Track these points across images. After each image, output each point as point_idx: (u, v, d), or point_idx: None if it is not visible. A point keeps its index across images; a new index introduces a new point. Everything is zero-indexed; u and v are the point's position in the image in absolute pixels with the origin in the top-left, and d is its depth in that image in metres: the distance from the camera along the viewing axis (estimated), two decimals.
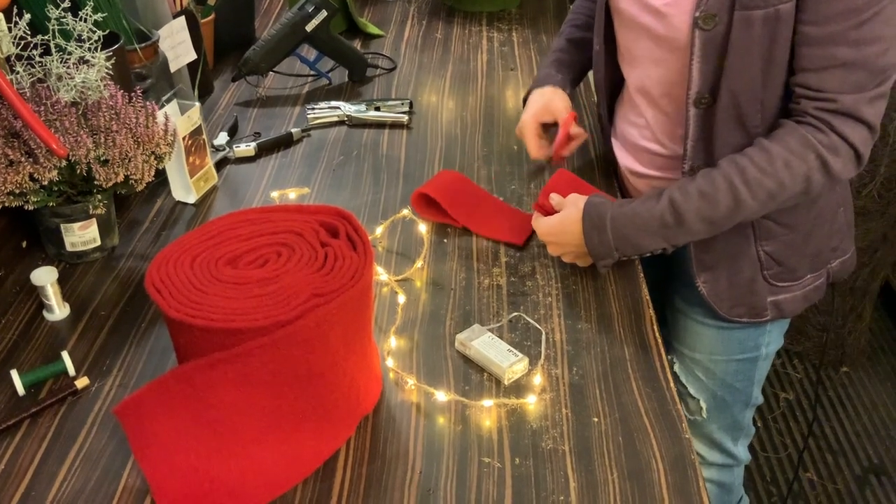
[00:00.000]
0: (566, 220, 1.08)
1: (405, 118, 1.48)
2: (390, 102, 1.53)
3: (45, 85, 1.06)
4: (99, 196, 1.09)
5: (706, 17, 0.99)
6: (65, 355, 0.95)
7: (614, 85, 1.25)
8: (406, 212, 1.21)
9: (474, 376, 0.96)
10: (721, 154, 1.05)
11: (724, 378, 1.29)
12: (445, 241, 1.18)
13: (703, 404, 1.32)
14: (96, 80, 1.07)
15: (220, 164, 1.37)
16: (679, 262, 1.25)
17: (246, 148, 1.39)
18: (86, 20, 1.07)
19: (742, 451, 1.40)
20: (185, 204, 1.27)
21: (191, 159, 1.24)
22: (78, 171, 1.05)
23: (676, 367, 1.33)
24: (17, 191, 1.02)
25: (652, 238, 1.04)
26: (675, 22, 1.03)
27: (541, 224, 1.11)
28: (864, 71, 0.97)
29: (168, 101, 1.22)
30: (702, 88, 1.03)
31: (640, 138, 1.19)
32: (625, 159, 1.25)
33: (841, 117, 0.98)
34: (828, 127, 0.99)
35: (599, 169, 1.35)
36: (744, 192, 1.00)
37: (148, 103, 1.12)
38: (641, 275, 1.11)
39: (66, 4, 1.06)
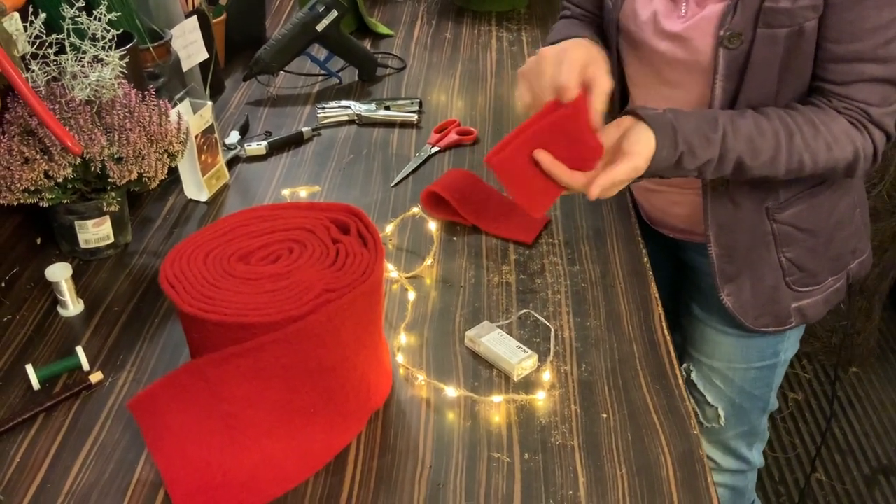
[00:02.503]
0: (648, 150, 0.94)
1: (415, 117, 1.49)
2: (400, 101, 1.54)
3: (59, 83, 1.07)
4: (113, 193, 1.11)
5: (731, 37, 0.98)
6: (79, 350, 0.97)
7: (622, 100, 1.22)
8: (416, 210, 1.21)
9: (484, 372, 0.96)
10: None
11: (742, 386, 1.29)
12: (455, 238, 1.19)
13: (720, 412, 1.31)
14: (110, 79, 1.08)
15: (231, 163, 1.38)
16: (698, 271, 1.25)
17: (257, 147, 1.40)
18: (100, 19, 1.08)
19: (756, 456, 1.40)
20: (197, 202, 1.29)
21: (203, 158, 1.25)
22: (92, 169, 1.06)
23: (693, 376, 1.32)
24: (33, 188, 1.03)
25: (692, 165, 0.98)
26: (698, 45, 1.02)
27: (629, 167, 0.93)
28: (889, 85, 0.98)
29: (181, 99, 1.23)
30: (723, 106, 1.03)
31: None
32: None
33: (871, 124, 1.00)
34: (864, 128, 1.00)
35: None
36: (784, 154, 0.99)
37: (161, 102, 1.13)
38: (650, 272, 1.12)
39: (81, 4, 1.07)
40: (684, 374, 1.34)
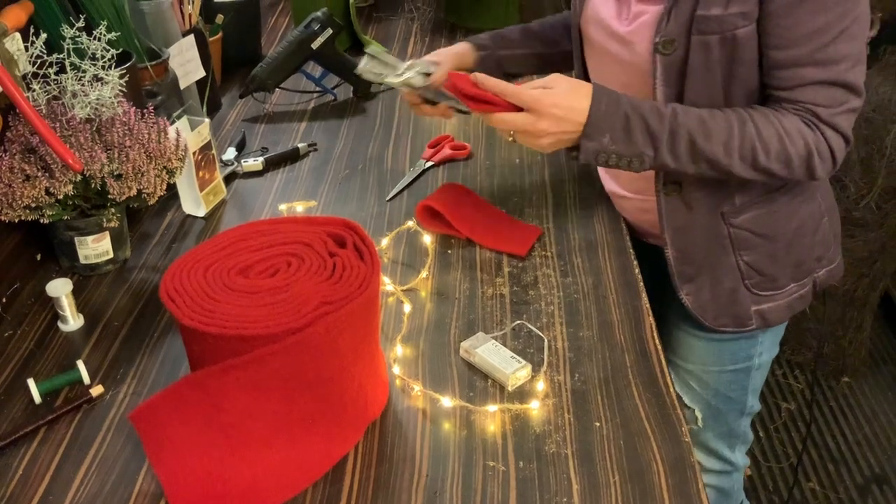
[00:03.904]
0: (577, 90, 1.02)
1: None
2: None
3: (60, 102, 1.09)
4: (112, 209, 1.12)
5: (665, 43, 1.02)
6: (80, 364, 0.98)
7: None
8: (411, 224, 1.23)
9: (479, 383, 0.98)
10: None
11: (717, 388, 1.31)
12: (449, 252, 1.21)
13: (698, 414, 1.34)
14: (110, 97, 1.10)
15: (228, 179, 1.40)
16: (666, 270, 1.27)
17: (254, 163, 1.42)
18: (99, 39, 1.11)
19: (740, 458, 1.41)
20: (195, 217, 1.30)
21: (200, 174, 1.27)
22: (92, 186, 1.08)
23: (671, 378, 1.34)
24: (34, 205, 1.05)
25: (644, 138, 1.01)
26: (638, 49, 1.07)
27: (548, 96, 1.02)
28: (834, 87, 1.00)
29: (178, 117, 1.25)
30: None
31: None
32: (608, 183, 1.29)
33: (822, 123, 1.02)
34: (816, 127, 1.02)
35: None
36: (736, 140, 1.01)
37: (159, 119, 1.15)
38: (641, 284, 1.14)
39: (81, 24, 1.09)
40: None
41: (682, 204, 1.13)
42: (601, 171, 1.31)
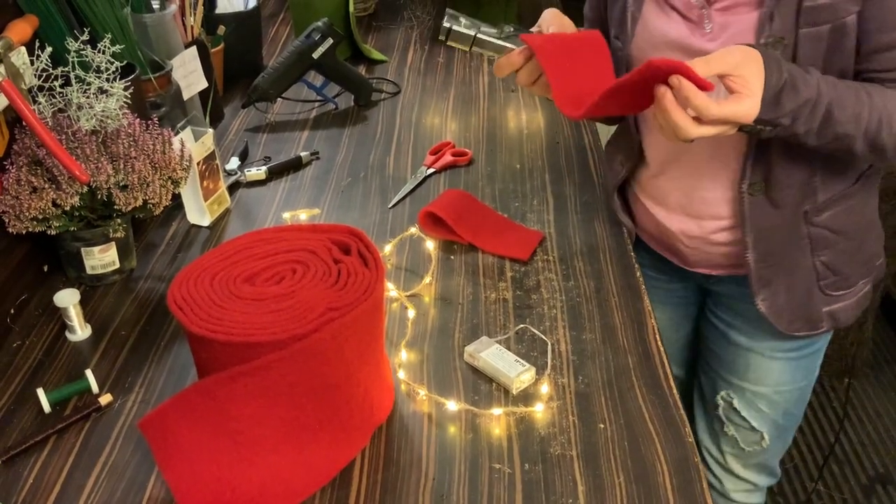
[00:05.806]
0: (751, 60, 0.91)
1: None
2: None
3: (66, 115, 1.11)
4: (118, 220, 1.14)
5: (774, 42, 0.97)
6: (88, 373, 0.99)
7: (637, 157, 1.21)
8: (413, 230, 1.24)
9: (483, 386, 0.99)
10: (778, 164, 1.05)
11: (787, 407, 1.30)
12: (452, 257, 1.22)
13: (765, 436, 1.32)
14: (115, 109, 1.11)
15: (232, 188, 1.41)
16: (739, 300, 1.23)
17: (257, 172, 1.43)
18: (104, 52, 1.12)
19: (778, 468, 1.42)
20: (200, 227, 1.31)
21: (205, 184, 1.29)
22: (98, 197, 1.09)
23: (736, 403, 1.32)
24: (41, 216, 1.06)
25: (792, 95, 0.93)
26: None
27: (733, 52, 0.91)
28: None
29: (182, 127, 1.26)
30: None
31: (695, 189, 1.15)
32: (679, 222, 1.19)
33: None
34: None
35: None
36: (866, 110, 0.96)
37: (164, 130, 1.16)
38: (643, 286, 1.15)
39: (85, 37, 1.11)
40: (723, 402, 1.34)
41: (768, 202, 1.09)
42: (655, 211, 1.22)
